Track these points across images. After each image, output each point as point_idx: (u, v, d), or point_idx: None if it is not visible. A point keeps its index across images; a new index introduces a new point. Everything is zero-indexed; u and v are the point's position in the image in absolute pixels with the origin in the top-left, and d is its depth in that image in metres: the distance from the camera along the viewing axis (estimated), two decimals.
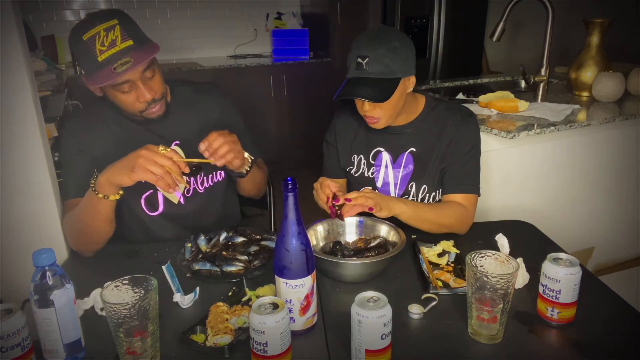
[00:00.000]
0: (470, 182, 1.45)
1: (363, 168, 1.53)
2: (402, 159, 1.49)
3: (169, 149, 1.20)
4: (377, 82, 1.31)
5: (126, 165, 1.18)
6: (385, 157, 1.50)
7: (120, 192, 1.23)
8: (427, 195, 1.48)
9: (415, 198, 1.49)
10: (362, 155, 1.53)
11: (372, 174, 1.51)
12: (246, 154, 1.36)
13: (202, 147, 1.24)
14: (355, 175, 1.54)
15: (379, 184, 1.51)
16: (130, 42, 1.23)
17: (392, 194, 1.50)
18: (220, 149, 1.24)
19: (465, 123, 1.45)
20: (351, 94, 1.32)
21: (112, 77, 1.21)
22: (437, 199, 1.49)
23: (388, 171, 1.50)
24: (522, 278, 1.15)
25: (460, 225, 1.41)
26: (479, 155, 1.47)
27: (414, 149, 1.47)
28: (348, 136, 1.55)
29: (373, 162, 1.51)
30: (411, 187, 1.49)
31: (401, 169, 1.49)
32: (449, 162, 1.45)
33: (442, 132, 1.44)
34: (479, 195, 1.46)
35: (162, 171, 1.16)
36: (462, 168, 1.44)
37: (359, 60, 1.32)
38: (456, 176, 1.44)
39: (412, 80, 1.38)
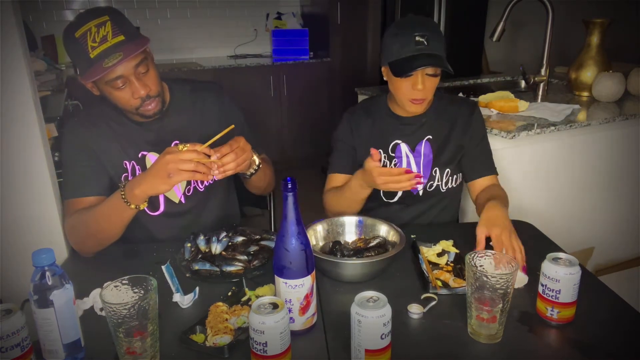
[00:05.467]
0: (491, 164, 1.56)
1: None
2: (420, 147, 1.53)
3: (187, 145, 1.20)
4: (440, 59, 1.35)
5: (159, 174, 1.19)
6: (404, 148, 1.54)
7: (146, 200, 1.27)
8: (451, 178, 1.54)
9: (440, 182, 1.54)
10: (381, 150, 1.54)
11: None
12: (255, 158, 1.36)
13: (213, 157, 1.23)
14: None
15: None
16: (121, 38, 1.23)
17: None
18: (226, 162, 1.22)
19: (475, 112, 1.54)
20: (426, 64, 1.33)
21: (101, 71, 1.20)
22: (458, 181, 1.57)
23: (410, 160, 1.54)
24: (521, 278, 1.15)
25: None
26: (488, 139, 1.58)
27: (431, 137, 1.53)
28: (364, 132, 1.57)
29: (393, 155, 1.54)
30: (435, 172, 1.54)
31: (422, 157, 1.53)
32: (466, 149, 1.53)
33: (456, 122, 1.52)
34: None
35: (193, 165, 1.18)
36: (482, 153, 1.55)
37: (418, 38, 1.34)
38: (480, 160, 1.55)
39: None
